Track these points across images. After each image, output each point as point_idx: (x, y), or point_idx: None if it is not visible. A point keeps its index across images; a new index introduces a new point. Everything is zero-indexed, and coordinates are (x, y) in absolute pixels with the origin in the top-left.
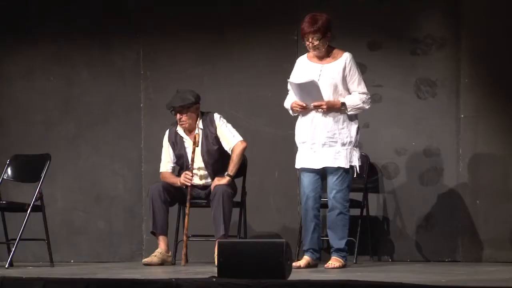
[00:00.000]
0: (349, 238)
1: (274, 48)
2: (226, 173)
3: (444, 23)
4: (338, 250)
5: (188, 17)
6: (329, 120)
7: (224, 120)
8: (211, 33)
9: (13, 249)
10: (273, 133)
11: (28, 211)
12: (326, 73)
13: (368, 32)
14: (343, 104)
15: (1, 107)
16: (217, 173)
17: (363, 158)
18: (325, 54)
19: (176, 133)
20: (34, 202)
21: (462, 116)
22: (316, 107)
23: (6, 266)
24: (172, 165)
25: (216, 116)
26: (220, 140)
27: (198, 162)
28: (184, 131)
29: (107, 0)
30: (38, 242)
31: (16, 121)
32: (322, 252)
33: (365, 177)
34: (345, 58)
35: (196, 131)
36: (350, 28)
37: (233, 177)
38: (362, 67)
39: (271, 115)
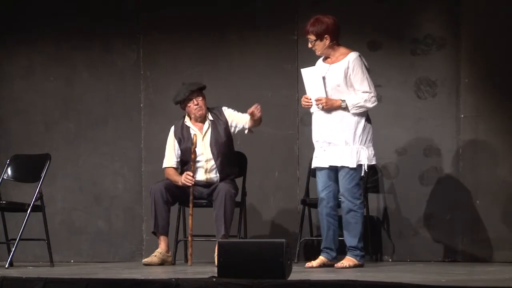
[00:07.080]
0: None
1: (274, 48)
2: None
3: (444, 23)
4: (350, 249)
5: (188, 17)
6: (331, 119)
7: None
8: (211, 33)
9: (13, 249)
10: (273, 133)
11: (28, 211)
12: (331, 73)
13: (368, 32)
14: (344, 102)
15: (1, 107)
16: (224, 167)
17: None
18: (334, 55)
19: (184, 125)
20: (34, 202)
21: (462, 116)
22: (317, 102)
23: (6, 266)
24: (176, 160)
25: (224, 107)
26: (236, 122)
27: (207, 153)
28: (193, 122)
29: (107, 0)
30: (38, 242)
31: (16, 121)
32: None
33: (365, 177)
34: (349, 58)
35: (205, 127)
36: (350, 28)
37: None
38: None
39: (271, 115)
